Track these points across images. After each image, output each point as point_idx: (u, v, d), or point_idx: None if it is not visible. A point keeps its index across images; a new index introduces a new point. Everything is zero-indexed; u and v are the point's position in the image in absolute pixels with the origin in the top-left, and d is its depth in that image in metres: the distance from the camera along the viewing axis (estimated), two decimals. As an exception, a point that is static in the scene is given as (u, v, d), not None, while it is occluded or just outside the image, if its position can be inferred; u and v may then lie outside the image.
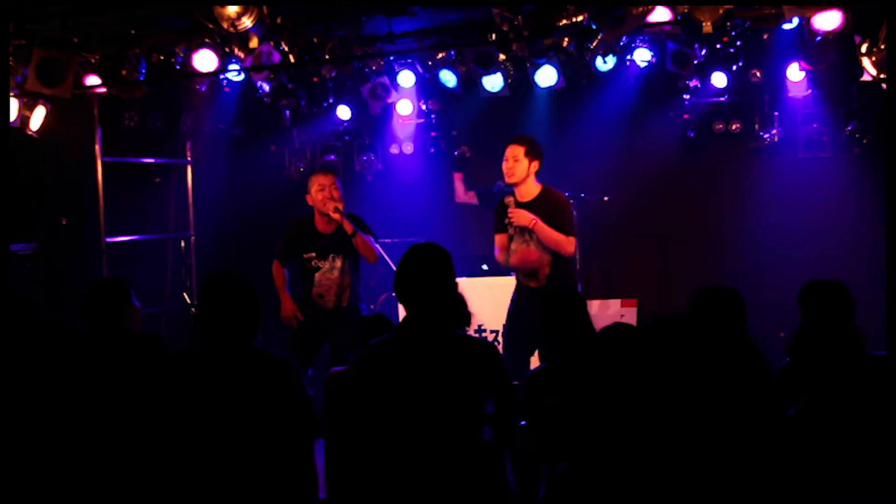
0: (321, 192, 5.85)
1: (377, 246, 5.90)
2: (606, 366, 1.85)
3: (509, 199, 5.75)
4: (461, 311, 4.26)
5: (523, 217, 5.61)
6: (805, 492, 1.80)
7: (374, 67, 7.11)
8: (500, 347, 6.87)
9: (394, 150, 8.70)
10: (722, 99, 7.79)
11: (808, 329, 2.97)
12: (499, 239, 5.87)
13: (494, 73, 6.67)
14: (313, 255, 5.93)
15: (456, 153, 7.24)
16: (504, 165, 5.74)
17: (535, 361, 5.68)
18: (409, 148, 8.64)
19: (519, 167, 5.68)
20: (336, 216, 5.79)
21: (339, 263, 5.90)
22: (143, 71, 6.43)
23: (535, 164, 5.70)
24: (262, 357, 3.35)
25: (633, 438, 1.74)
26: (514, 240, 5.74)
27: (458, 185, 7.32)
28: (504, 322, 6.07)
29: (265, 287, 6.12)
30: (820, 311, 3.83)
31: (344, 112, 8.05)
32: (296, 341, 5.98)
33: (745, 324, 3.83)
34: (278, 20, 6.00)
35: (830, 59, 5.91)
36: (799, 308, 3.99)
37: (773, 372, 3.55)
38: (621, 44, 6.55)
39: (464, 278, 6.72)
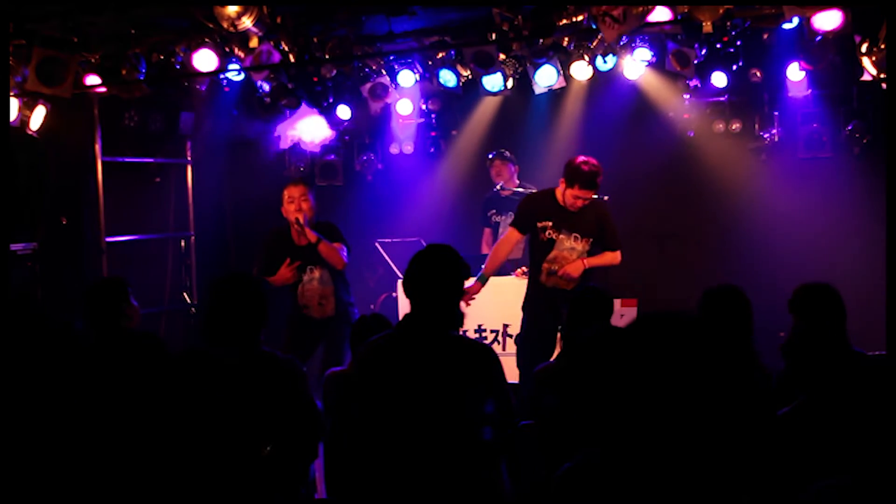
0: (290, 204, 5.82)
1: (345, 254, 5.84)
2: (602, 365, 1.86)
3: (548, 267, 5.69)
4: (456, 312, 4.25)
5: (578, 269, 5.59)
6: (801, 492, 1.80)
7: (374, 67, 7.11)
8: (499, 348, 6.90)
9: (394, 150, 8.70)
10: (722, 99, 7.79)
11: (798, 333, 3.00)
12: (513, 235, 5.89)
13: (494, 72, 6.66)
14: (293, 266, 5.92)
15: None
16: (577, 205, 5.63)
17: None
18: (409, 148, 8.64)
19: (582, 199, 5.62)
20: (296, 226, 5.76)
21: (317, 274, 5.87)
22: (143, 71, 6.43)
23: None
24: (270, 360, 3.36)
25: (636, 436, 1.74)
26: (555, 250, 5.69)
27: (489, 239, 7.70)
28: (522, 320, 5.89)
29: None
30: (811, 315, 3.82)
31: (344, 112, 8.05)
32: (288, 348, 5.98)
33: (752, 322, 3.82)
34: (278, 20, 6.00)
35: (830, 58, 5.91)
36: (791, 313, 3.97)
37: (769, 373, 3.55)
38: (621, 44, 6.55)
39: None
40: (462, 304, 3.40)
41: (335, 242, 5.83)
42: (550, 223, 5.71)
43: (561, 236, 5.68)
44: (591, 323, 3.96)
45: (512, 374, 5.57)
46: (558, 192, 5.71)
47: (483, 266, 5.90)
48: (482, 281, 5.83)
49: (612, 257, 5.77)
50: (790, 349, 2.96)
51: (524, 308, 5.89)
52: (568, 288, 5.56)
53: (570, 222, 5.68)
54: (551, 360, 4.12)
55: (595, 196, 5.74)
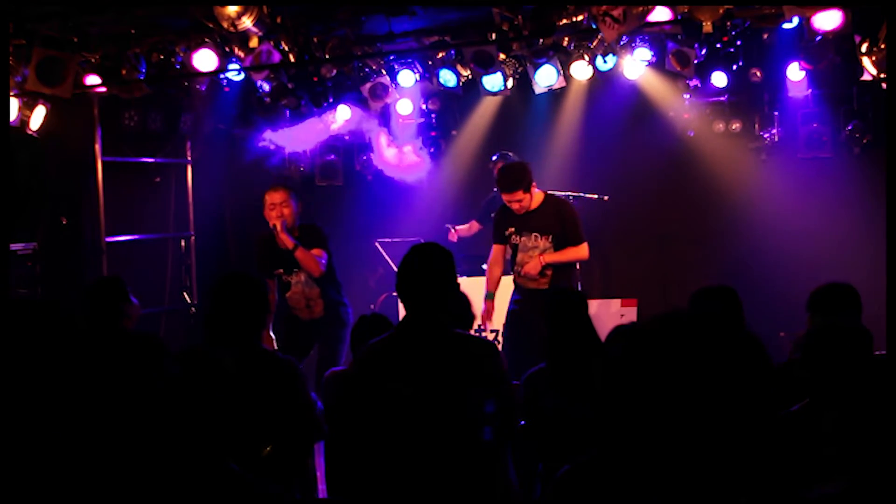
0: (271, 211, 5.81)
1: (324, 261, 5.81)
2: (615, 372, 1.84)
3: (517, 269, 5.93)
4: (465, 311, 4.26)
5: (535, 267, 5.78)
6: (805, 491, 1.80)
7: (374, 67, 7.11)
8: (499, 347, 6.90)
9: (394, 149, 8.70)
10: (722, 99, 7.79)
11: (824, 330, 2.97)
12: (497, 249, 6.08)
13: (494, 72, 6.66)
14: (281, 270, 5.92)
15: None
16: (515, 208, 5.84)
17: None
18: (409, 148, 8.64)
19: (525, 202, 5.81)
20: (274, 232, 5.75)
21: (302, 277, 5.86)
22: (143, 71, 6.43)
23: (533, 186, 5.84)
24: (269, 360, 3.36)
25: (639, 439, 1.74)
26: (519, 252, 5.89)
27: (472, 229, 7.71)
28: (504, 322, 6.09)
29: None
30: (831, 314, 3.80)
31: (344, 112, 8.04)
32: (282, 348, 5.97)
33: (743, 321, 3.82)
34: (278, 20, 6.00)
35: (830, 58, 5.91)
36: (808, 311, 3.95)
37: (774, 368, 3.56)
38: (621, 44, 6.55)
39: (464, 278, 6.72)
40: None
41: (315, 248, 5.78)
42: (513, 228, 5.93)
43: (522, 238, 5.89)
44: (569, 323, 3.98)
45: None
46: None
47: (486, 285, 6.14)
48: (490, 298, 6.07)
49: (576, 252, 5.87)
50: (807, 347, 2.93)
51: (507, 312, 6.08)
52: (542, 287, 5.76)
53: (528, 223, 5.88)
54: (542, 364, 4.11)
55: (557, 194, 6.13)
